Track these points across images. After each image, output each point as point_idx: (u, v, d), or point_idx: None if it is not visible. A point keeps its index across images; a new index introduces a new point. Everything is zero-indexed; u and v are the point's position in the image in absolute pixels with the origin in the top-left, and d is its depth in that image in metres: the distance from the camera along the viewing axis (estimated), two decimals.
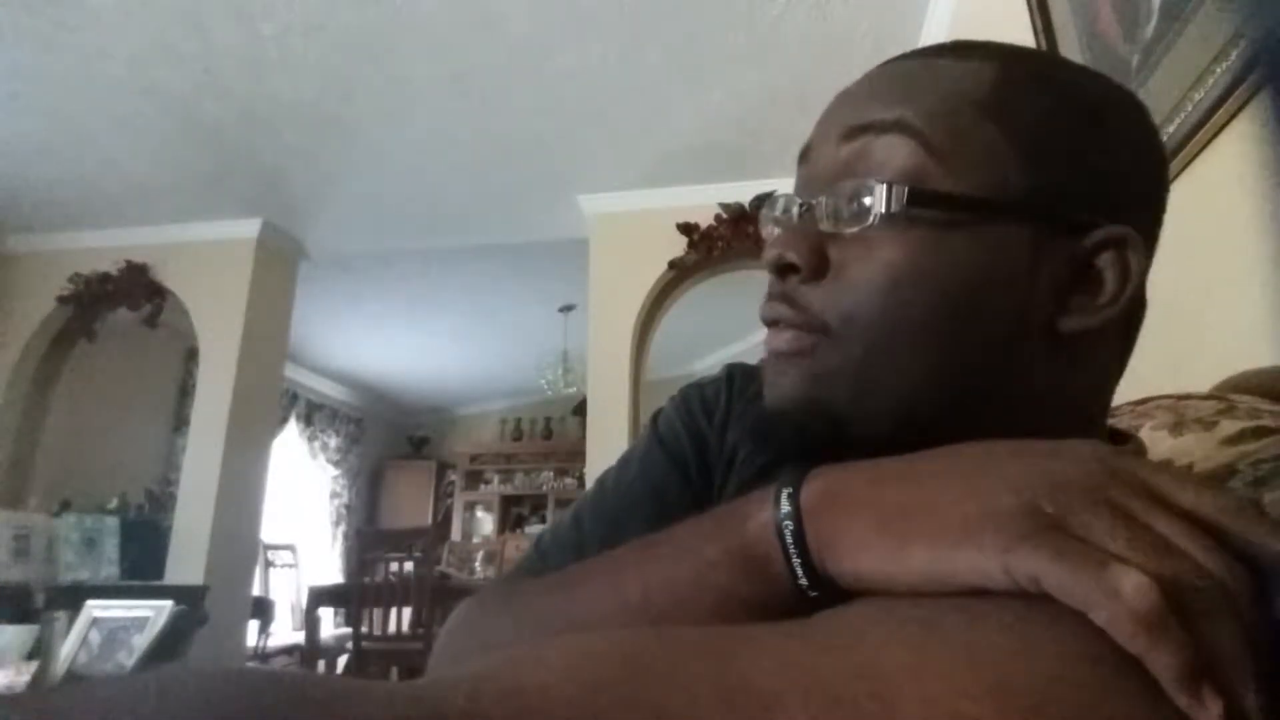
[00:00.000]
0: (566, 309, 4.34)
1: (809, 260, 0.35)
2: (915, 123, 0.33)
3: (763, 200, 0.41)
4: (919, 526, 0.26)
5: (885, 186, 0.32)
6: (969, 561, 0.24)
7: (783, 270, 0.36)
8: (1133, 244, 0.33)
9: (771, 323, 0.37)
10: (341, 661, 3.54)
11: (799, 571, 0.29)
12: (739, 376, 0.49)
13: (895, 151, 0.33)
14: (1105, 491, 0.24)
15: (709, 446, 0.48)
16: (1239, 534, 0.23)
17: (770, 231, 0.39)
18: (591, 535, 0.46)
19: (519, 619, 0.39)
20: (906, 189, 0.32)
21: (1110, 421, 0.58)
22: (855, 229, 0.33)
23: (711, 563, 0.32)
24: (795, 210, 0.37)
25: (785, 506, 0.30)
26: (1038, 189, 0.33)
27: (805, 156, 0.39)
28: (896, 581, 0.26)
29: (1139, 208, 0.35)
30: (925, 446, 0.34)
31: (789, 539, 0.29)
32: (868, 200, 0.33)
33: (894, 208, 0.32)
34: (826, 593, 0.29)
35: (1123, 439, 0.38)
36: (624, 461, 0.50)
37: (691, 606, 0.31)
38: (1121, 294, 0.33)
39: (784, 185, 0.40)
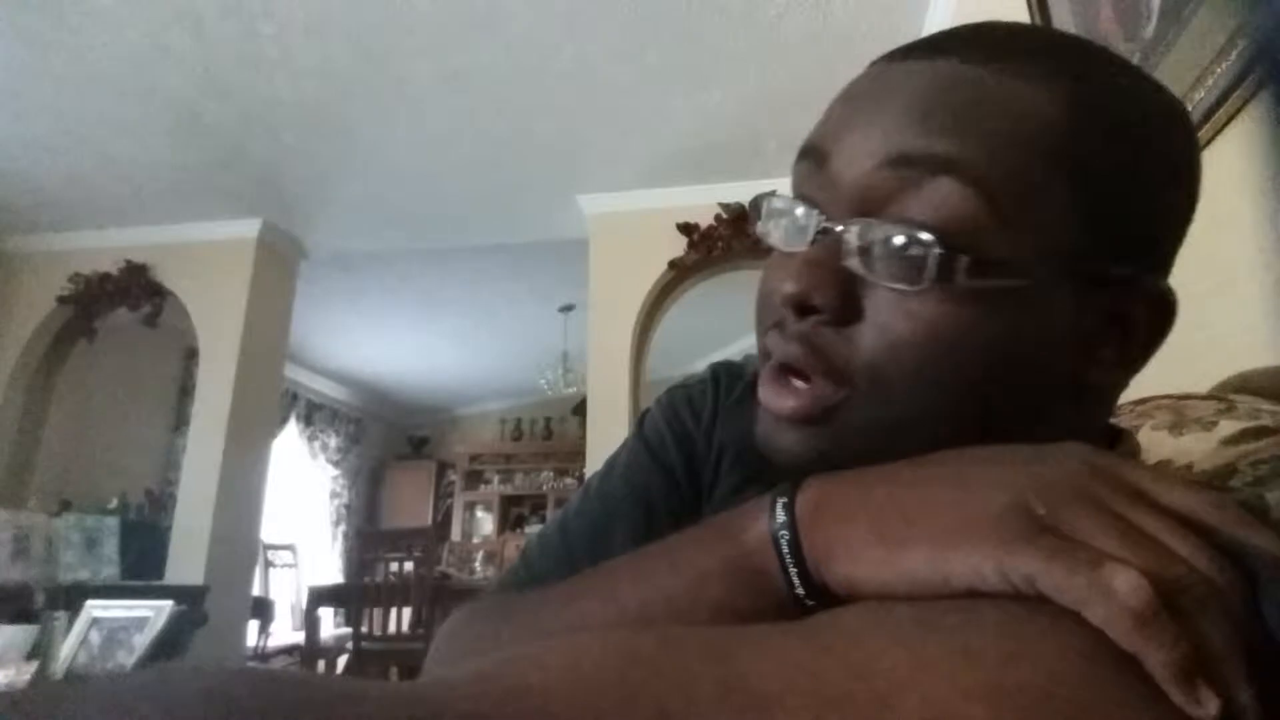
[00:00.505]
0: (566, 309, 4.34)
1: (837, 304, 0.31)
2: (973, 166, 0.29)
3: (761, 200, 0.36)
4: (912, 531, 0.26)
5: (939, 251, 0.28)
6: (964, 564, 0.24)
7: (802, 309, 0.31)
8: (1168, 296, 0.32)
9: (782, 368, 0.33)
10: (341, 661, 3.53)
11: (796, 581, 0.29)
12: (725, 376, 0.49)
13: (949, 200, 0.29)
14: (1092, 491, 0.24)
15: (696, 450, 0.47)
16: (1225, 531, 0.23)
17: (767, 231, 0.35)
18: (578, 543, 0.46)
19: (515, 632, 0.39)
20: (967, 259, 0.28)
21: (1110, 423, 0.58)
22: (900, 286, 0.29)
23: (707, 574, 0.31)
24: (811, 226, 0.32)
25: (781, 516, 0.30)
26: (1091, 246, 0.30)
27: (822, 159, 0.33)
28: (892, 587, 0.26)
29: (1171, 239, 0.33)
30: None
31: (785, 549, 0.29)
32: (914, 252, 0.29)
33: (950, 276, 0.28)
34: (824, 602, 0.28)
35: (1117, 437, 0.38)
36: (608, 468, 0.49)
37: (689, 619, 0.31)
38: (1152, 346, 0.32)
39: (784, 185, 0.37)
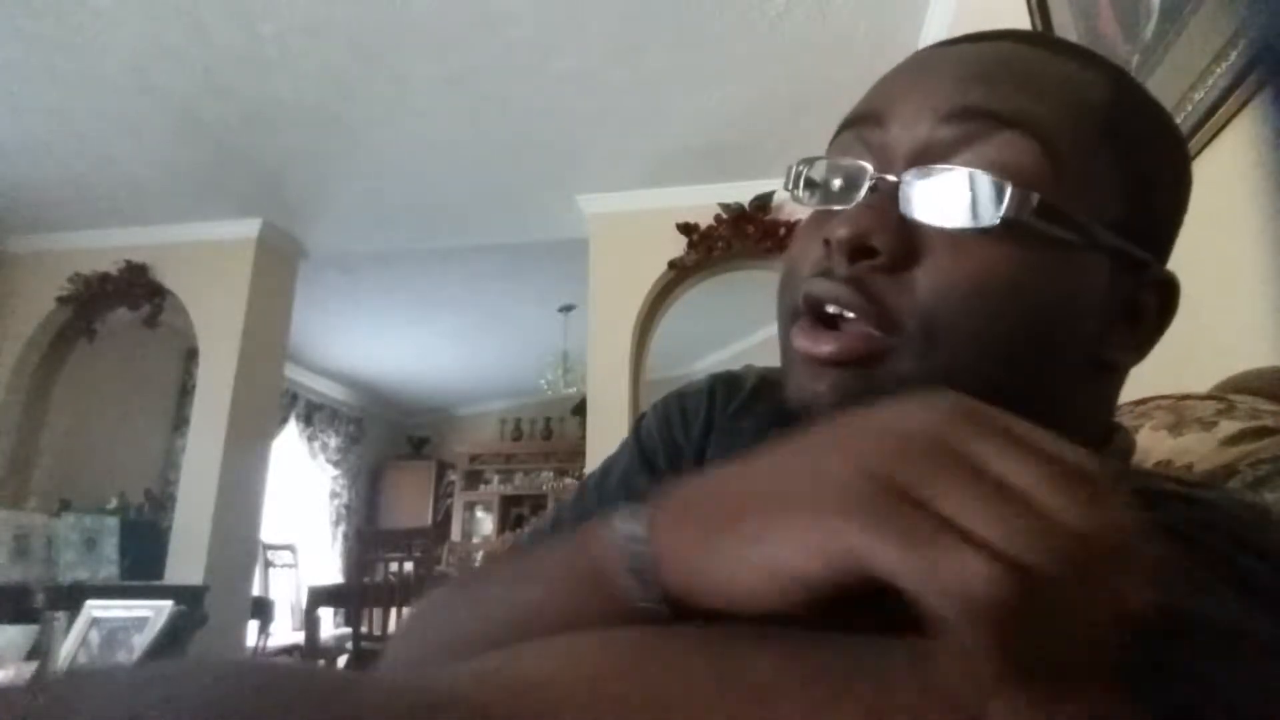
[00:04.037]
0: (566, 309, 4.34)
1: (895, 247, 0.30)
2: (1043, 125, 0.30)
3: (802, 166, 0.35)
4: (737, 525, 0.23)
5: (1013, 188, 0.28)
6: (785, 552, 0.21)
7: (858, 252, 0.30)
8: (1176, 288, 0.34)
9: (827, 312, 0.31)
10: (341, 661, 3.54)
11: (639, 590, 0.26)
12: (722, 388, 0.47)
13: (1016, 151, 0.29)
14: (956, 441, 0.20)
15: (683, 460, 0.46)
16: (1105, 484, 0.19)
17: (806, 196, 0.35)
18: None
19: (451, 619, 0.38)
20: (1037, 198, 0.28)
21: None
22: (968, 226, 0.29)
23: (562, 582, 0.30)
24: (865, 182, 0.32)
25: (629, 523, 0.27)
26: (1127, 222, 0.32)
27: (877, 121, 0.33)
28: (723, 593, 0.23)
29: (1174, 237, 0.36)
30: None
31: (632, 557, 0.27)
32: (986, 196, 0.29)
33: (1021, 215, 0.28)
34: (687, 613, 0.25)
35: (1115, 432, 0.38)
36: (606, 466, 0.49)
37: (551, 625, 0.28)
38: (1159, 331, 0.34)
39: (826, 150, 0.36)
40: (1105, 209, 0.31)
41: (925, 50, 0.35)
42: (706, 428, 0.45)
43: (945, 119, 0.31)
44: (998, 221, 0.29)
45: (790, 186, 0.36)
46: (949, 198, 0.29)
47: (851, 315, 0.30)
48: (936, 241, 0.30)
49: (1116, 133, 0.31)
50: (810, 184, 0.35)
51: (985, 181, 0.29)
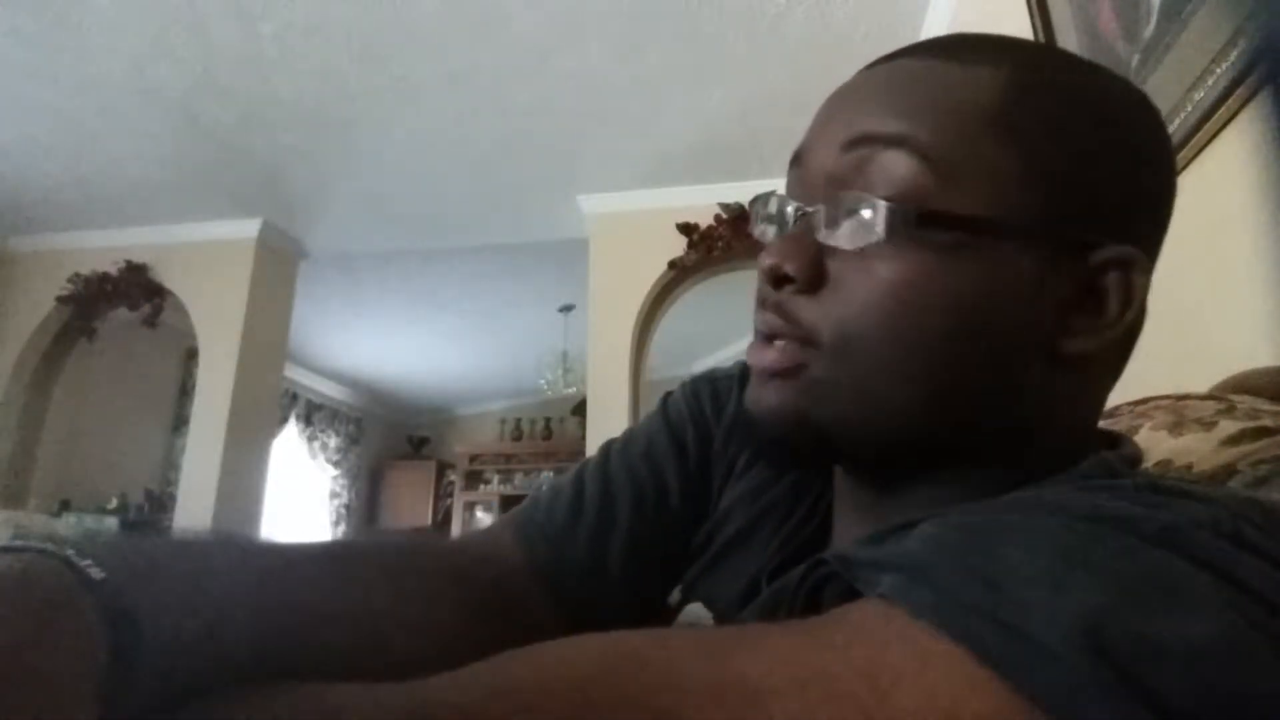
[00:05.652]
0: (566, 309, 4.34)
1: (805, 272, 0.34)
2: (919, 138, 0.32)
3: (758, 199, 0.40)
4: None
5: (887, 205, 0.31)
6: None
7: (778, 280, 0.35)
8: (1139, 265, 0.32)
9: (765, 335, 0.36)
10: None
11: None
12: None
13: (897, 168, 0.32)
14: None
15: (712, 441, 0.47)
16: None
17: (762, 231, 0.39)
18: (591, 498, 0.46)
19: None
20: (913, 210, 0.31)
21: (1109, 423, 0.58)
22: (856, 245, 0.32)
23: None
24: (790, 214, 0.36)
25: None
26: (1046, 208, 0.32)
27: (799, 159, 0.37)
28: None
29: (1147, 220, 0.34)
30: (918, 463, 0.35)
31: None
32: (867, 214, 0.32)
33: (897, 228, 0.31)
34: None
35: (1115, 443, 0.37)
36: (629, 435, 0.50)
37: None
38: (1124, 315, 0.32)
39: (783, 185, 0.39)
40: (1012, 201, 0.31)
41: (844, 83, 0.38)
42: (736, 414, 0.47)
43: (843, 149, 0.34)
44: (882, 238, 0.31)
45: (752, 227, 0.40)
46: (844, 222, 0.33)
47: (779, 337, 0.35)
48: (843, 262, 0.33)
49: (1010, 123, 0.32)
50: (767, 219, 0.39)
51: (869, 202, 0.32)
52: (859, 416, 0.33)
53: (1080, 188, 0.32)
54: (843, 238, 0.33)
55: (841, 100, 0.36)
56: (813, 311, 0.34)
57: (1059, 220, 0.32)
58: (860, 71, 0.38)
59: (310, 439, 5.51)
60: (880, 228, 0.31)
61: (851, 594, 0.28)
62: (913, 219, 0.31)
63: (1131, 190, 0.34)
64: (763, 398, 0.36)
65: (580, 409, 4.61)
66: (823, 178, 0.35)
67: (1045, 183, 0.32)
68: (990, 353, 0.32)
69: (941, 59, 0.34)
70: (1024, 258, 0.32)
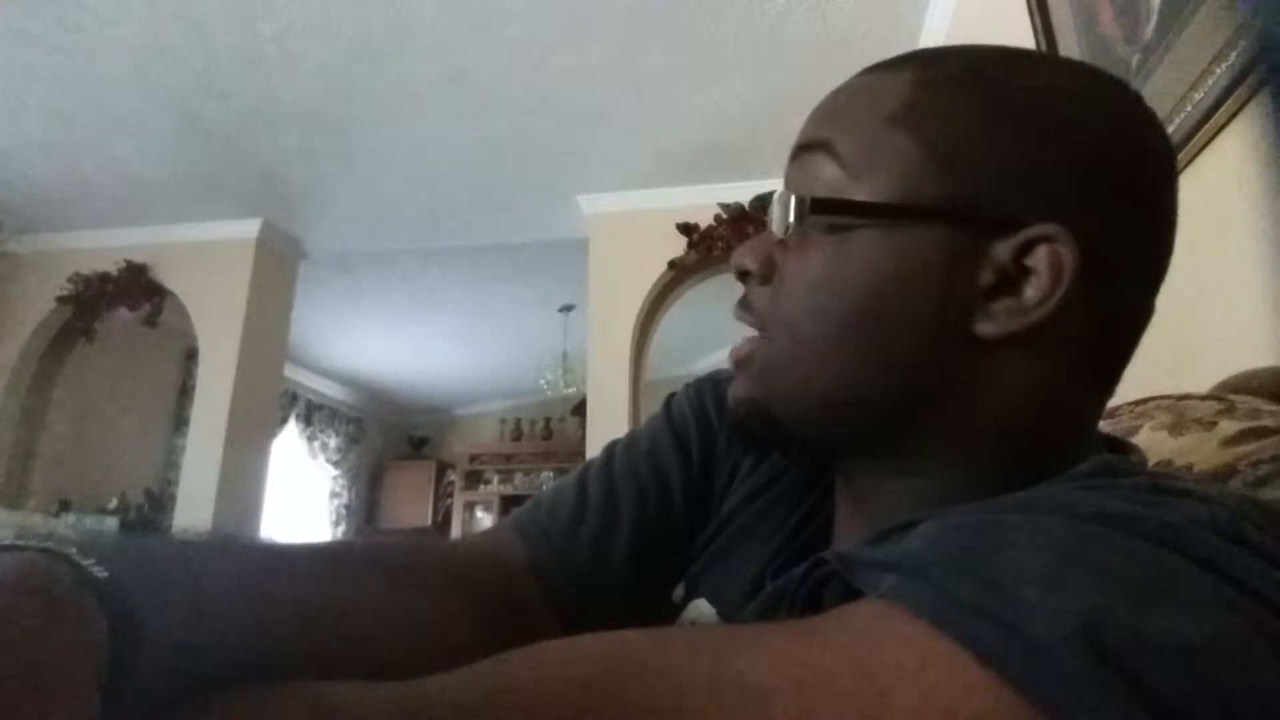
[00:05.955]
0: (566, 309, 4.33)
1: (759, 267, 0.38)
2: (834, 141, 0.36)
3: (764, 200, 0.42)
4: None
5: (794, 197, 0.35)
6: None
7: (742, 275, 0.39)
8: (1063, 241, 0.31)
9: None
10: None
11: None
12: None
13: (821, 169, 0.36)
14: None
15: (715, 442, 0.48)
16: None
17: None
18: (594, 499, 0.46)
19: None
20: (809, 199, 0.35)
21: (1110, 423, 0.58)
22: (780, 236, 0.36)
23: None
24: (768, 216, 0.40)
25: None
26: (953, 191, 0.33)
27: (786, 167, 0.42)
28: None
29: (1091, 200, 0.32)
30: (859, 448, 0.37)
31: None
32: (784, 210, 0.35)
33: (804, 216, 0.35)
34: None
35: (1121, 448, 0.37)
36: (633, 435, 0.50)
37: None
38: (1051, 295, 0.31)
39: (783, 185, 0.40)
40: (916, 187, 0.33)
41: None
42: None
43: (791, 157, 0.39)
44: (791, 228, 0.35)
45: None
46: (778, 218, 0.36)
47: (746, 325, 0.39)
48: (785, 255, 0.37)
49: (911, 118, 0.34)
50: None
51: (784, 197, 0.36)
52: (800, 399, 0.36)
53: (990, 170, 0.33)
54: (778, 232, 0.37)
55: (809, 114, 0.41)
56: (765, 301, 0.38)
57: (966, 202, 0.32)
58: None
59: (310, 439, 5.51)
60: (791, 218, 0.35)
61: (852, 593, 0.28)
62: (808, 207, 0.35)
63: (1057, 171, 0.32)
64: (731, 389, 0.39)
65: (580, 409, 4.61)
66: (783, 183, 0.39)
67: (949, 168, 0.33)
68: (903, 333, 0.33)
69: (868, 74, 0.38)
70: (931, 240, 0.33)
